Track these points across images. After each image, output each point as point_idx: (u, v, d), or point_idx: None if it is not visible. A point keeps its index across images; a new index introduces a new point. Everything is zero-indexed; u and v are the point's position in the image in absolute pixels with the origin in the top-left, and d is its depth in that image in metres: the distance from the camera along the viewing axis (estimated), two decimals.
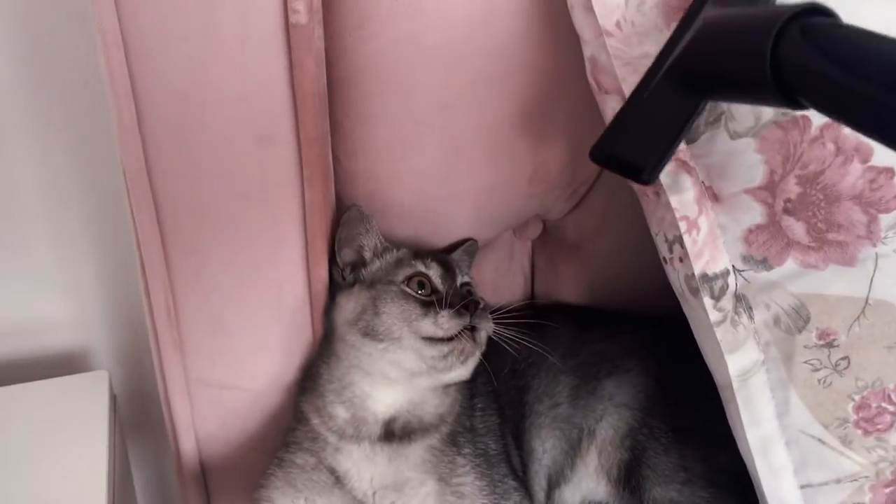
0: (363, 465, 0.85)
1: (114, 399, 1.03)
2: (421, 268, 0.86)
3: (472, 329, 0.81)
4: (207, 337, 0.87)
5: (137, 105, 0.75)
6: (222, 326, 0.87)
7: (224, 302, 0.85)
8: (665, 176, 0.75)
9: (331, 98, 0.83)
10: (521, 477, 0.91)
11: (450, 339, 0.81)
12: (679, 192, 0.75)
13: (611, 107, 0.78)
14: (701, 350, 0.82)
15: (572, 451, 0.92)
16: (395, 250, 0.89)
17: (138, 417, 1.18)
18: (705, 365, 0.82)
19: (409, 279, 0.84)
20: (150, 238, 0.81)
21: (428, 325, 0.81)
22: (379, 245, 0.88)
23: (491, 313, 0.84)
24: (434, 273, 0.86)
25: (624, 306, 1.03)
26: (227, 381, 0.90)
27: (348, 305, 0.86)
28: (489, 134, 0.87)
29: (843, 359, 0.74)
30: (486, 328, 0.83)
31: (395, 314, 0.82)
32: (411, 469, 0.85)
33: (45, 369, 1.13)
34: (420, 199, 0.90)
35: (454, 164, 0.88)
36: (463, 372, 0.84)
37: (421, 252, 0.89)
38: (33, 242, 1.09)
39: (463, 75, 0.82)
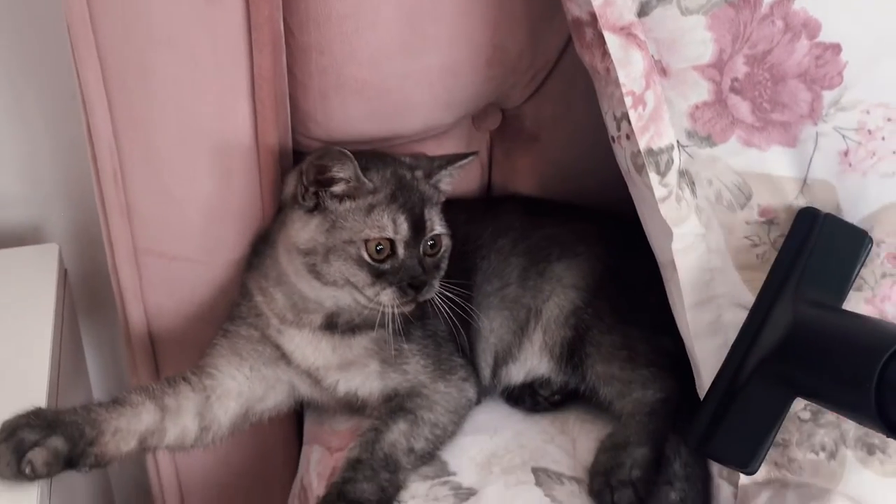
0: (307, 349, 0.87)
1: (64, 273, 1.03)
2: (389, 232, 0.82)
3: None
4: (154, 205, 0.87)
5: None
6: (169, 194, 0.86)
7: (170, 169, 0.85)
8: (615, 50, 0.75)
9: None
10: (468, 355, 0.92)
11: None
12: (628, 66, 0.75)
13: None
14: (645, 230, 0.83)
15: (520, 331, 0.94)
16: (370, 194, 0.83)
17: (92, 294, 1.17)
18: (654, 256, 0.83)
19: (369, 241, 0.82)
20: (95, 99, 0.80)
21: (370, 294, 0.82)
22: (354, 181, 0.82)
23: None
24: (401, 237, 0.83)
25: (579, 200, 1.03)
26: (175, 251, 0.90)
27: (302, 234, 0.83)
28: (446, 10, 0.86)
29: (781, 236, 0.75)
30: (427, 297, 0.83)
31: (344, 272, 0.82)
32: (355, 356, 0.87)
33: None
34: (375, 76, 0.88)
35: (410, 40, 0.87)
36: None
37: (398, 195, 0.83)
38: None
39: None
